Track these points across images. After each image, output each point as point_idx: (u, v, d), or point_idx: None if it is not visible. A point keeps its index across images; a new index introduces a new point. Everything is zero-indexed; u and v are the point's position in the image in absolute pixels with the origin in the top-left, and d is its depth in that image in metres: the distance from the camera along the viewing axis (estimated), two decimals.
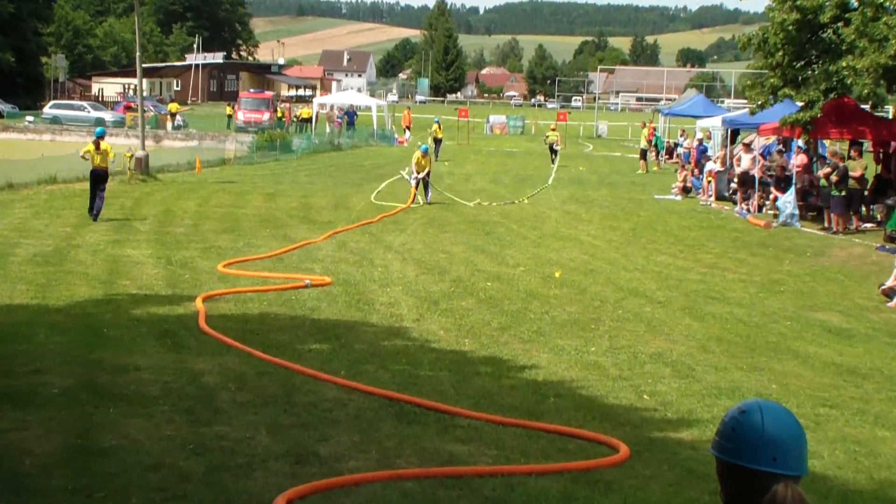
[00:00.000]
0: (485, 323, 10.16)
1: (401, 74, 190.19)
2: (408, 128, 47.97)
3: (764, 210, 22.03)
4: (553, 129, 41.27)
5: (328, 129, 47.39)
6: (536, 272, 13.43)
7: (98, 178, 17.29)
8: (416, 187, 21.36)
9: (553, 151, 38.20)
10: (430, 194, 21.58)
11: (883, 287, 12.59)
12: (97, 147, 17.39)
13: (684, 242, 17.29)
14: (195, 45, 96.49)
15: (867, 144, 23.09)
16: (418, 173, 21.36)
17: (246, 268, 12.79)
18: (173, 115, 51.17)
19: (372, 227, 17.42)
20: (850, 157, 19.59)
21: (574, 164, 36.63)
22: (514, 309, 10.92)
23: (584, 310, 11.07)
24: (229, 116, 55.16)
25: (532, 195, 23.66)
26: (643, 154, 34.88)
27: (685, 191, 26.00)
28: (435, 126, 39.66)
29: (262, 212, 19.16)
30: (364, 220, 18.19)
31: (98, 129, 18.73)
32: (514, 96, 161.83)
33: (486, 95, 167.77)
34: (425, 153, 21.39)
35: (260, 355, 8.31)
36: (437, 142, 38.97)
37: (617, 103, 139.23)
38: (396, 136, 46.40)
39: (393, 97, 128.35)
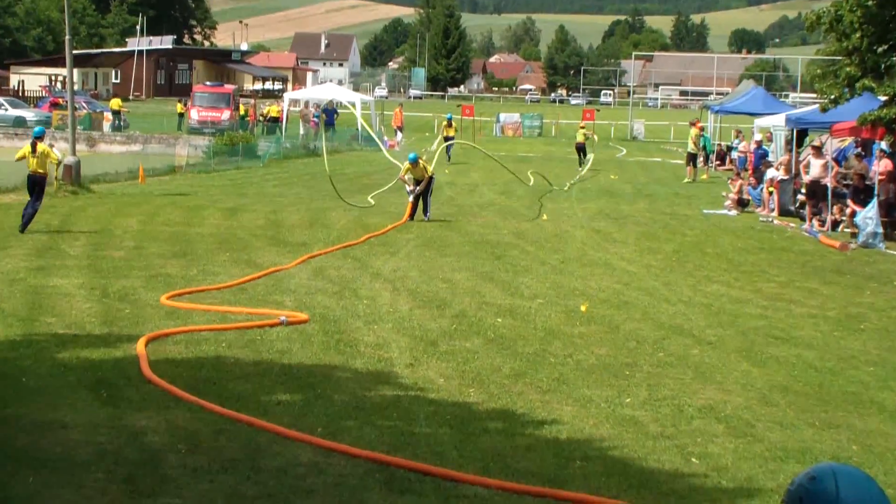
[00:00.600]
0: (494, 368, 10.15)
1: (391, 63, 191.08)
2: (399, 129, 48.17)
3: (839, 228, 22.05)
4: (582, 128, 41.60)
5: (302, 131, 47.57)
6: (558, 305, 13.43)
7: (34, 184, 18.49)
8: (414, 202, 21.38)
9: (581, 152, 38.35)
10: (429, 210, 21.58)
11: None
12: (34, 149, 18.60)
13: (740, 268, 17.30)
14: (138, 27, 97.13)
15: None
16: (414, 185, 21.41)
17: (200, 301, 12.79)
18: (117, 114, 51.37)
19: (356, 250, 17.45)
20: None
21: (604, 171, 36.73)
22: (530, 351, 10.91)
23: (617, 352, 11.06)
24: (180, 115, 55.40)
25: (573, 183, 23.87)
26: (691, 159, 35.01)
27: (741, 204, 26.05)
28: (444, 124, 39.71)
29: (220, 231, 19.20)
30: (346, 240, 18.23)
31: (36, 129, 20.19)
32: (531, 90, 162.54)
33: (495, 89, 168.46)
34: (414, 163, 21.44)
35: (217, 409, 8.29)
36: (448, 142, 39.05)
37: (656, 98, 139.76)
38: (386, 138, 46.54)
39: (382, 91, 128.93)
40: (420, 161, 21.81)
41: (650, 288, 15.08)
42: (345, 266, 15.86)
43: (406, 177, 21.79)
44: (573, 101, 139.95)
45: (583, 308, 13.13)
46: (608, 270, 16.50)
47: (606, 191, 30.28)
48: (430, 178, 21.80)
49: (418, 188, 21.46)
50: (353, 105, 43.72)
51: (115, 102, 54.52)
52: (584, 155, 38.82)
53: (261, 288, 13.87)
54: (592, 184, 32.23)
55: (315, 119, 48.76)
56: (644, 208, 25.92)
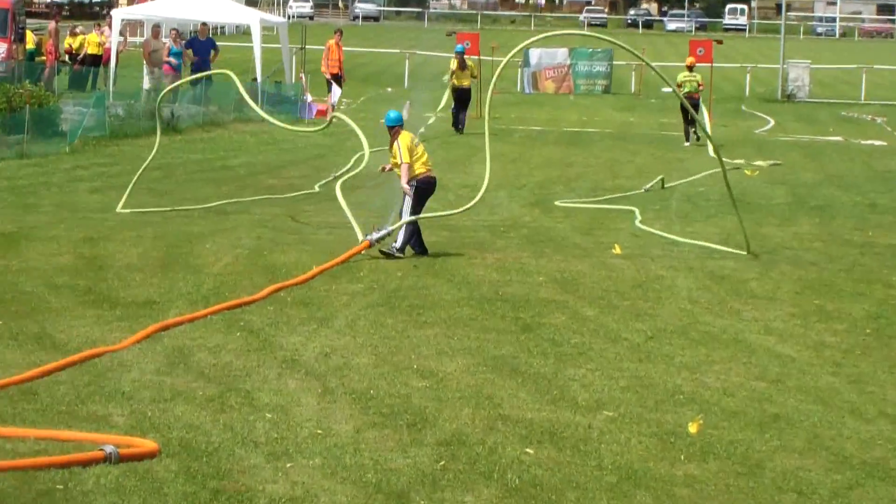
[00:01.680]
0: None
1: None
2: (335, 77, 48.31)
3: None
4: (690, 69, 42.05)
5: (147, 84, 47.61)
6: (643, 421, 13.47)
7: None
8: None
9: (689, 113, 38.81)
10: (402, 238, 21.35)
11: None
12: None
13: None
14: None
15: None
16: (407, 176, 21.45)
17: None
18: None
19: (251, 314, 17.47)
20: None
21: (730, 160, 36.86)
22: None
23: None
24: None
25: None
26: None
27: None
28: (454, 62, 40.13)
29: None
30: (232, 296, 18.25)
31: None
32: (588, 5, 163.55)
33: (520, 3, 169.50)
34: (394, 126, 21.25)
35: None
36: (461, 97, 39.37)
37: (832, 19, 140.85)
38: (310, 97, 46.72)
39: (302, 6, 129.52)
40: (400, 128, 21.70)
41: (823, 388, 15.11)
42: (229, 345, 15.86)
43: (388, 165, 21.91)
44: (671, 26, 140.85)
45: (692, 428, 13.13)
46: (740, 353, 16.54)
47: (737, 198, 30.34)
48: (415, 183, 21.69)
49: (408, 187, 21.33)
50: (248, 32, 43.90)
51: None
52: (691, 117, 39.15)
53: (65, 388, 13.84)
54: (710, 184, 32.27)
55: (173, 60, 48.88)
56: (810, 233, 26.05)
